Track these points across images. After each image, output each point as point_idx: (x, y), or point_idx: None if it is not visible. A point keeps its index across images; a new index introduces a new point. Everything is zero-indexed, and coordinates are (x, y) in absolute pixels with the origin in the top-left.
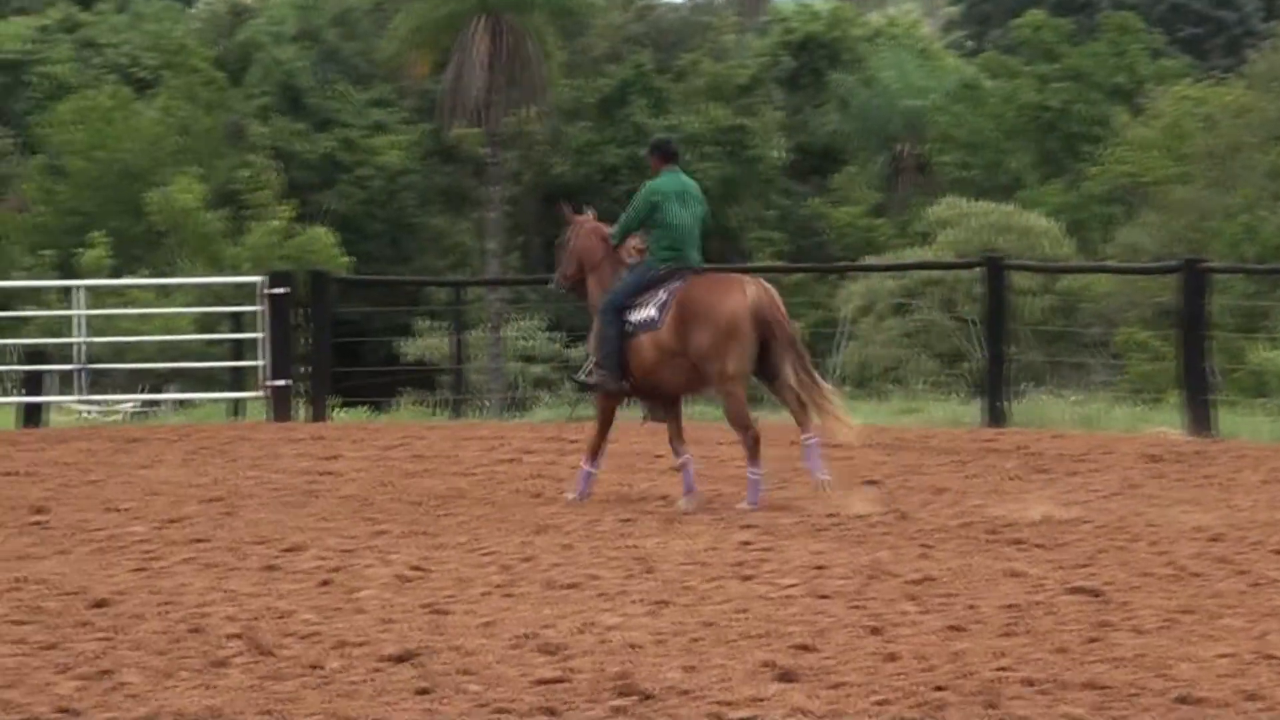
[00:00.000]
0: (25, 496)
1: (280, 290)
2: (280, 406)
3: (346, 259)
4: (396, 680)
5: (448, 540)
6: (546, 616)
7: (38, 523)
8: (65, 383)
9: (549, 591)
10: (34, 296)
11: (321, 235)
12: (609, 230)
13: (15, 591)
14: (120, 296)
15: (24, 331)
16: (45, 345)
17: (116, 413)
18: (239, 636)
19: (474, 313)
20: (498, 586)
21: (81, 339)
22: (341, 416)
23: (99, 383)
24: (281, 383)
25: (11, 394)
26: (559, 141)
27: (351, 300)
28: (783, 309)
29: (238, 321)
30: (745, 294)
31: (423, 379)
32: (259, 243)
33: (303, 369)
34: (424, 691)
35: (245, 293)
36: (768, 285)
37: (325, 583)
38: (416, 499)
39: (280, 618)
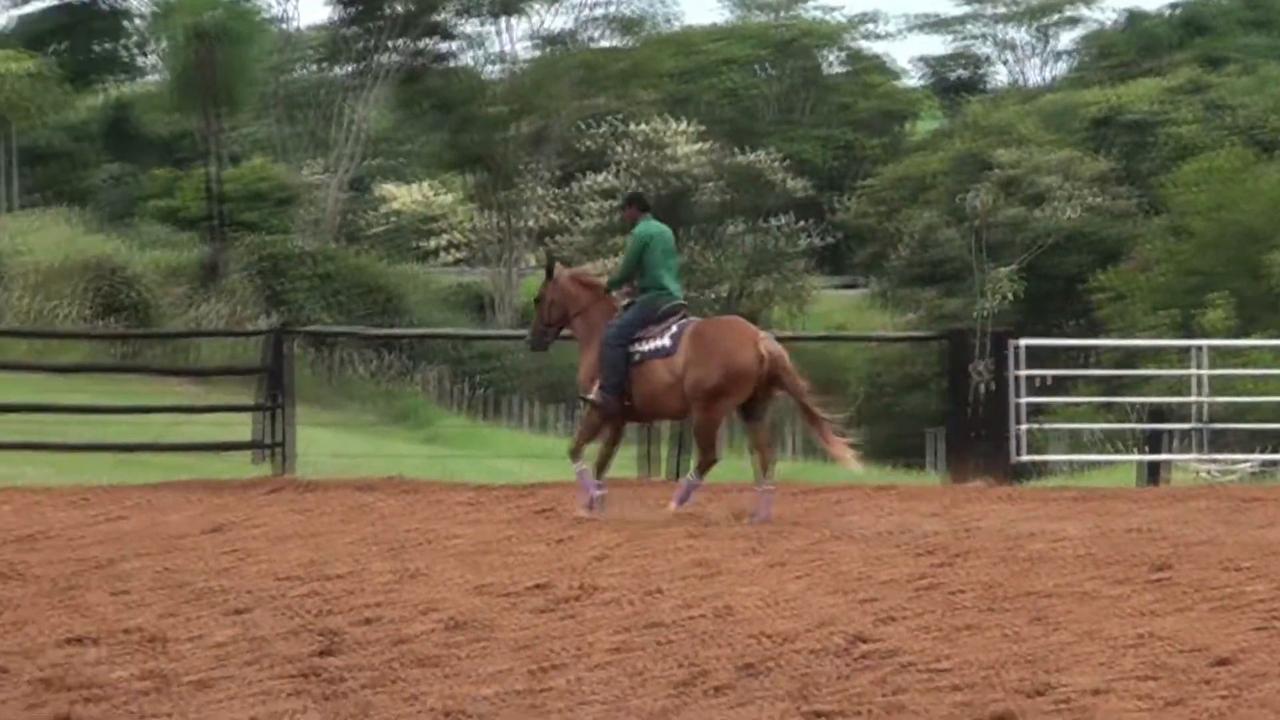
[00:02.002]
0: (1147, 554)
1: None
2: None
3: None
4: None
5: None
6: None
7: (1160, 580)
8: (1185, 441)
9: None
10: (1155, 355)
11: None
12: (590, 277)
13: (1140, 647)
14: (1240, 357)
15: (1146, 390)
16: (1166, 404)
17: (1234, 472)
18: None
19: None
20: None
21: (1201, 398)
22: None
23: (1217, 442)
24: None
25: (1133, 451)
26: None
27: None
28: (788, 361)
29: None
30: (759, 346)
31: None
32: None
33: None
34: None
35: None
36: (774, 340)
37: None
38: None
39: None
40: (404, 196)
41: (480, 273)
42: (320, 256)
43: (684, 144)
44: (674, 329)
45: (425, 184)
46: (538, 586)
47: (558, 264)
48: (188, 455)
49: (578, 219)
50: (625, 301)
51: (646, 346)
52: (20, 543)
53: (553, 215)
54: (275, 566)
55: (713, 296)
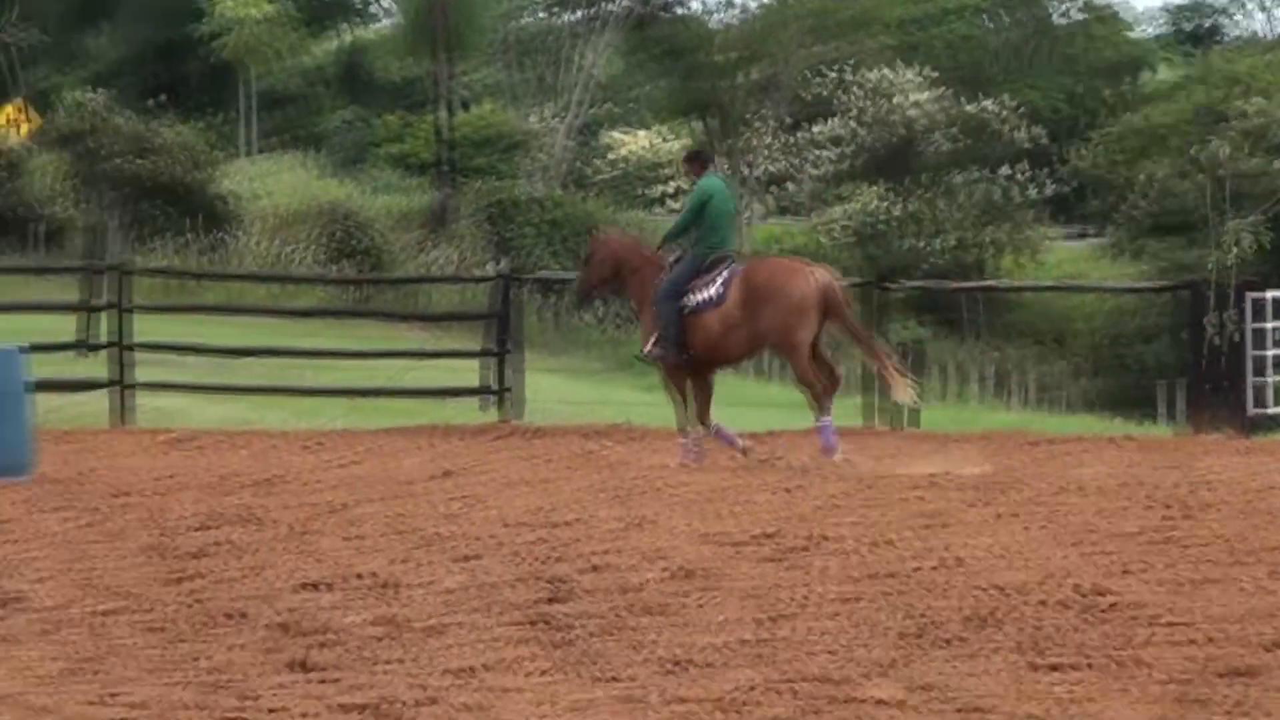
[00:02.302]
0: None
1: None
2: None
3: None
4: None
5: None
6: None
7: None
8: None
9: None
10: None
11: None
12: (634, 240)
13: None
14: None
15: None
16: None
17: None
18: None
19: None
20: None
21: None
22: None
23: None
24: None
25: None
26: None
27: None
28: (840, 292)
29: None
30: (811, 278)
31: None
32: None
33: None
34: None
35: None
36: (830, 269)
37: None
38: None
39: None
40: (631, 143)
41: None
42: (548, 203)
43: (913, 92)
44: (722, 276)
45: (652, 131)
46: (765, 535)
47: (601, 227)
48: (417, 400)
49: (805, 167)
50: (674, 257)
51: (696, 298)
52: (258, 487)
53: (780, 163)
54: (504, 513)
55: (939, 246)
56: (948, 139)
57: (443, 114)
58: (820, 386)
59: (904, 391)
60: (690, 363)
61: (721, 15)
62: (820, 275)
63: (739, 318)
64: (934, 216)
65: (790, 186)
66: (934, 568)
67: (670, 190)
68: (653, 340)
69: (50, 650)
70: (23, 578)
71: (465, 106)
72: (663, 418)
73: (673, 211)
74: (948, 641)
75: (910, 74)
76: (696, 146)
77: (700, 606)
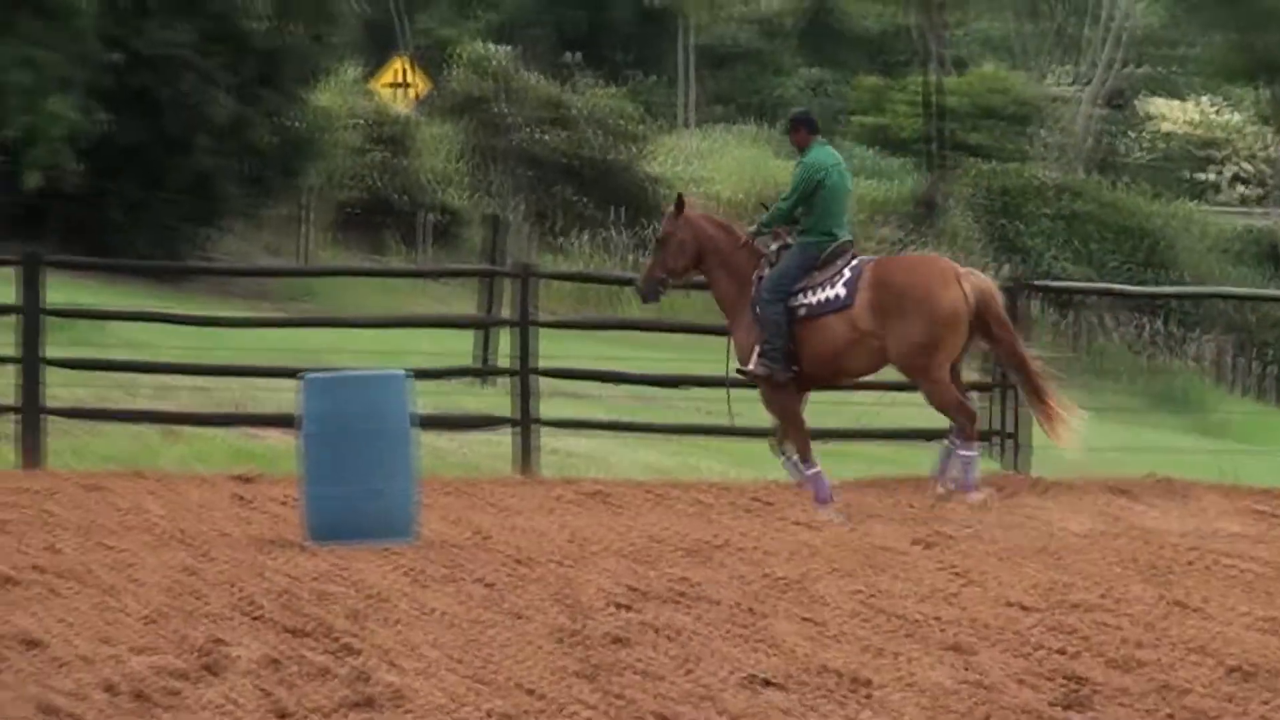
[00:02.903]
0: None
1: None
2: None
3: None
4: None
5: None
6: None
7: None
8: None
9: None
10: None
11: None
12: (724, 220)
13: None
14: None
15: None
16: None
17: None
18: None
19: None
20: None
21: None
22: None
23: None
24: None
25: None
26: None
27: None
28: (1000, 302)
29: None
30: (964, 285)
31: None
32: None
33: None
34: None
35: None
36: (983, 275)
37: None
38: None
39: None
40: (1176, 115)
41: (1275, 215)
42: (1066, 191)
43: None
44: (846, 274)
45: (1204, 99)
46: None
47: (688, 200)
48: (892, 444)
49: None
50: (776, 245)
51: (814, 298)
52: (691, 556)
53: None
54: (1006, 591)
55: None
56: None
57: (933, 76)
58: (973, 415)
59: (1065, 435)
60: (798, 378)
61: None
62: (975, 280)
63: (870, 326)
64: None
65: None
66: None
67: (1228, 176)
68: (756, 353)
69: None
70: (403, 669)
71: (960, 67)
72: (1215, 468)
73: (1229, 205)
74: None
75: None
76: (802, 109)
77: (1266, 717)
